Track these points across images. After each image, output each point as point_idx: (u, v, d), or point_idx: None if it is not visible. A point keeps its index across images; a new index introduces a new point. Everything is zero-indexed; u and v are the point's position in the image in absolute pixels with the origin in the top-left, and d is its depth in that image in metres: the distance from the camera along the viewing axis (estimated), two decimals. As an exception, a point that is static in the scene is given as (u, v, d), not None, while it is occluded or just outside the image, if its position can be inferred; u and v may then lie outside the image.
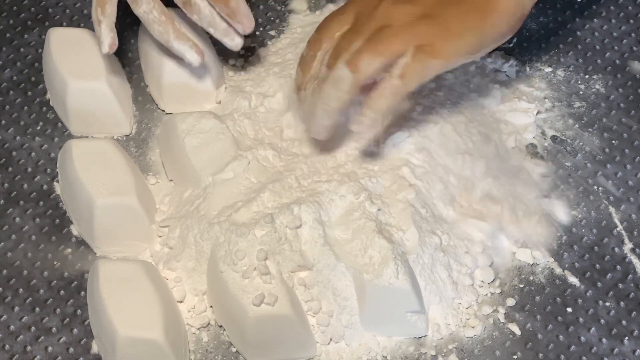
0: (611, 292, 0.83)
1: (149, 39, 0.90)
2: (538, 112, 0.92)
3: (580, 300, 0.83)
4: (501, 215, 0.85)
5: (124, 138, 0.91)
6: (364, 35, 0.77)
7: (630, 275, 0.84)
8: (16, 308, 0.82)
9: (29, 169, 0.89)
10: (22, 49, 0.96)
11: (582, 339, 0.81)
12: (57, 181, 0.88)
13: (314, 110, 0.80)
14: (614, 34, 0.97)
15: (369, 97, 0.77)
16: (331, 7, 0.99)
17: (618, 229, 0.86)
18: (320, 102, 0.79)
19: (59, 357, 0.80)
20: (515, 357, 0.80)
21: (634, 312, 0.82)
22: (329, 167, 0.84)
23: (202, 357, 0.80)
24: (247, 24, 0.85)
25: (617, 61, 0.96)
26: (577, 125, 0.92)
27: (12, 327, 0.81)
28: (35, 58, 0.96)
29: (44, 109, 0.93)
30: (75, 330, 0.81)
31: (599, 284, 0.83)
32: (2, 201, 0.87)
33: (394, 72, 0.76)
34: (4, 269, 0.84)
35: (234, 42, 0.87)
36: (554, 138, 0.91)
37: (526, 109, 0.92)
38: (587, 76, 0.95)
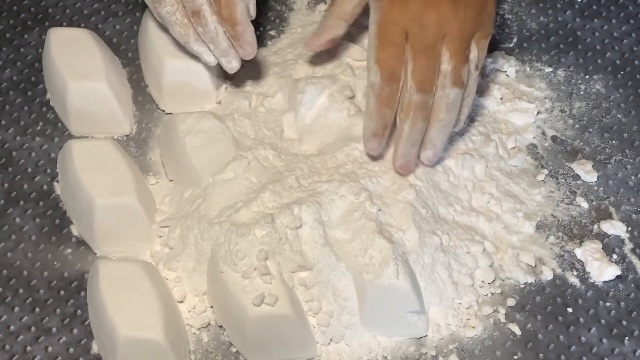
0: (611, 293, 0.83)
1: (149, 40, 0.90)
2: (538, 112, 0.92)
3: (580, 301, 0.83)
4: (501, 216, 0.85)
5: (124, 138, 0.91)
6: (435, 47, 0.78)
7: (631, 276, 0.84)
8: (16, 308, 0.82)
9: (29, 169, 0.89)
10: (22, 49, 0.96)
11: (583, 339, 0.81)
12: (57, 181, 0.88)
13: (434, 140, 0.81)
14: (615, 34, 0.98)
15: (464, 98, 0.81)
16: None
17: (618, 229, 0.86)
18: (441, 132, 0.81)
19: (59, 357, 0.80)
20: (515, 357, 0.80)
21: (634, 312, 0.82)
22: (329, 167, 0.84)
23: (203, 357, 0.80)
24: (248, 50, 0.85)
25: (618, 61, 0.96)
26: (577, 126, 0.92)
27: (12, 327, 0.81)
28: (35, 58, 0.96)
29: (44, 109, 0.93)
30: (75, 331, 0.81)
31: (599, 284, 0.84)
32: (2, 201, 0.87)
33: (472, 68, 0.80)
34: (4, 269, 0.84)
35: (230, 65, 0.86)
36: (554, 138, 0.91)
37: (526, 109, 0.92)
38: (587, 76, 0.95)
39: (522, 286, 0.83)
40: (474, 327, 0.81)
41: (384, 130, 0.81)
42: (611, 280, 0.83)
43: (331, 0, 0.86)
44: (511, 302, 0.82)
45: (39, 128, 0.92)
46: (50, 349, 0.80)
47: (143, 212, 0.83)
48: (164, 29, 0.88)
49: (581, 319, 0.82)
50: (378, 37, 0.79)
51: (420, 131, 0.81)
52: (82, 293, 0.82)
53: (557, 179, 0.89)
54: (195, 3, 0.84)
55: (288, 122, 0.88)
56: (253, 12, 0.85)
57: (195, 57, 0.88)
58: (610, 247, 0.85)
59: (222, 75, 0.92)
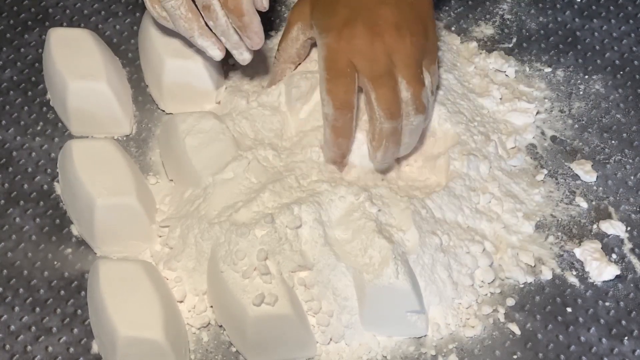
0: (611, 292, 0.83)
1: (149, 40, 0.90)
2: (538, 112, 0.92)
3: (580, 300, 0.83)
4: (501, 216, 0.85)
5: (124, 138, 0.91)
6: (391, 74, 0.80)
7: (630, 275, 0.84)
8: (16, 308, 0.82)
9: (30, 169, 0.89)
10: (22, 49, 0.96)
11: (582, 338, 0.81)
12: (58, 181, 0.88)
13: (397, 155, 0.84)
14: (614, 34, 0.98)
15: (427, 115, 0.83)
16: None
17: (618, 229, 0.86)
18: (404, 151, 0.84)
19: (59, 357, 0.80)
20: (515, 356, 0.80)
21: (634, 312, 0.82)
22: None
23: (202, 357, 0.80)
24: (256, 40, 0.84)
25: (617, 61, 0.96)
26: (576, 126, 0.92)
27: (12, 327, 0.81)
28: (36, 58, 0.96)
29: (44, 109, 0.93)
30: (75, 330, 0.81)
31: (598, 284, 0.84)
32: (3, 201, 0.87)
33: (429, 93, 0.82)
34: (5, 269, 0.84)
35: (242, 57, 0.86)
36: (553, 138, 0.91)
37: (526, 109, 0.92)
38: (586, 76, 0.95)
39: (522, 286, 0.83)
40: (473, 327, 0.81)
41: (342, 159, 0.84)
42: (610, 280, 0.83)
43: (277, 46, 0.90)
44: (511, 301, 0.82)
45: (39, 128, 0.92)
46: (50, 348, 0.80)
47: (143, 212, 0.83)
48: (164, 29, 0.88)
49: (580, 319, 0.82)
50: (327, 70, 0.81)
51: (393, 154, 0.83)
52: (82, 293, 0.82)
53: (556, 179, 0.89)
54: None
55: (287, 122, 0.88)
56: (266, 3, 0.84)
57: (195, 57, 0.88)
58: (609, 247, 0.85)
59: (221, 75, 0.92)
